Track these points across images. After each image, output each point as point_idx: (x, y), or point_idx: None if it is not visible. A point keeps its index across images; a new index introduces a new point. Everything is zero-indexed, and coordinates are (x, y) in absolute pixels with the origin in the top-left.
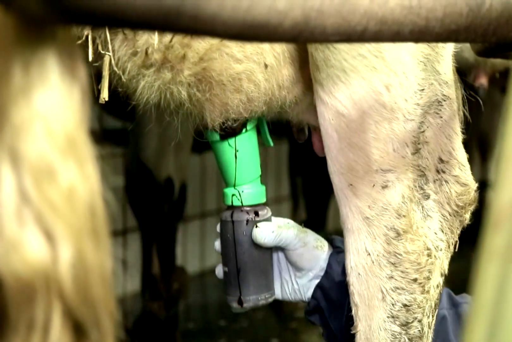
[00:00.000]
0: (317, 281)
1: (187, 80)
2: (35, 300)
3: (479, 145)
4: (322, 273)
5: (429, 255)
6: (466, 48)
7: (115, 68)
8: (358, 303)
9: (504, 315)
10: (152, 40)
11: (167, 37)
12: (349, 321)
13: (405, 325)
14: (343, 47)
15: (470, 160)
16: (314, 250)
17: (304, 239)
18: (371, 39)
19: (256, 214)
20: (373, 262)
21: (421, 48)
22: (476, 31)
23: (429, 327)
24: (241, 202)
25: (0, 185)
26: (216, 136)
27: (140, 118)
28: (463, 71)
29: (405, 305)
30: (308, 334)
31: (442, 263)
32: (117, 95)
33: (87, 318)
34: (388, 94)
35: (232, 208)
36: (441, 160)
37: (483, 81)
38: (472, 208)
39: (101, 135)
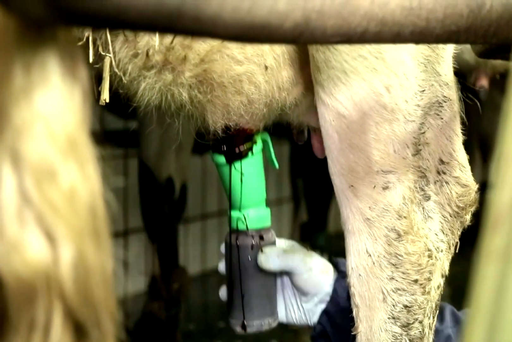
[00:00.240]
0: (322, 305)
1: (188, 82)
2: (36, 301)
3: (480, 146)
4: (327, 298)
5: (430, 256)
6: (467, 50)
7: (116, 70)
8: (359, 304)
9: (503, 316)
10: (153, 41)
11: (168, 38)
12: None
13: (406, 326)
14: (344, 48)
15: (471, 161)
16: (320, 275)
17: (309, 264)
18: (371, 40)
19: (261, 238)
20: (374, 263)
21: (422, 49)
22: (477, 32)
23: (430, 328)
24: (246, 226)
25: (1, 186)
26: (222, 159)
27: (141, 119)
28: (463, 73)
29: (406, 306)
30: (308, 335)
31: (443, 264)
32: (119, 95)
33: (88, 319)
34: (388, 96)
35: (237, 231)
36: (441, 161)
37: (483, 83)
38: (472, 209)
39: (102, 137)
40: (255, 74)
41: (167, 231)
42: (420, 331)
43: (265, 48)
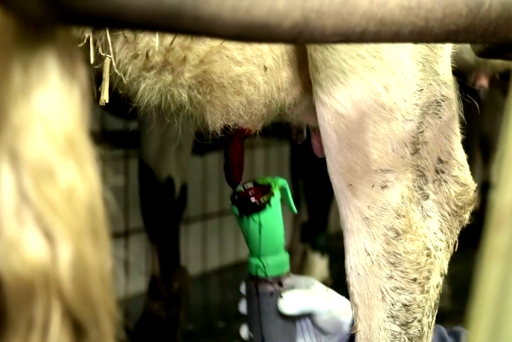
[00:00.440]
0: None
1: (187, 83)
2: (35, 300)
3: (481, 146)
4: (347, 337)
5: (428, 255)
6: (466, 50)
7: (116, 71)
8: (358, 303)
9: (507, 315)
10: (153, 42)
11: (168, 39)
12: None
13: (405, 325)
14: (342, 47)
15: (472, 161)
16: (339, 316)
17: (329, 306)
18: (370, 40)
19: (280, 284)
20: (372, 262)
21: (420, 48)
22: (476, 31)
23: (429, 327)
24: (266, 274)
25: None
26: (240, 212)
27: (142, 119)
28: (463, 73)
29: (404, 305)
30: None
31: (441, 263)
32: (119, 96)
33: (87, 318)
34: (387, 95)
35: (256, 278)
36: (440, 160)
37: (483, 82)
38: (471, 208)
39: (102, 137)
40: (255, 75)
41: (167, 231)
42: (419, 330)
43: (264, 49)
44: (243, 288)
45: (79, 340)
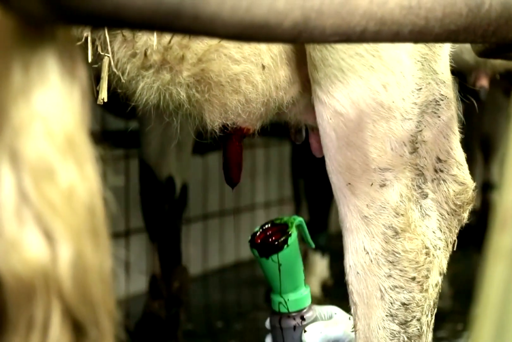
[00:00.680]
0: None
1: (186, 81)
2: (35, 300)
3: (482, 146)
4: None
5: (427, 254)
6: (466, 50)
7: (115, 70)
8: (357, 302)
9: (511, 315)
10: (151, 41)
11: (166, 38)
12: None
13: (404, 323)
14: (341, 46)
15: (473, 161)
16: None
17: (351, 334)
18: (370, 40)
19: (302, 318)
20: (371, 261)
21: (418, 47)
22: (476, 31)
23: (428, 326)
24: (287, 309)
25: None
26: (259, 253)
27: (142, 118)
28: (463, 73)
29: (403, 304)
30: None
31: (440, 262)
32: (118, 96)
33: (86, 318)
34: (385, 93)
35: (279, 314)
36: (439, 159)
37: (483, 83)
38: (470, 207)
39: (103, 137)
40: (253, 73)
41: (168, 230)
42: (418, 329)
43: (262, 47)
44: (267, 323)
45: (79, 340)
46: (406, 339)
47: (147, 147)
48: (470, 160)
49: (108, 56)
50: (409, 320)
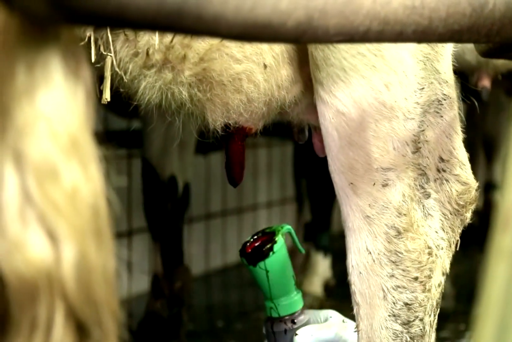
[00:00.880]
0: None
1: (187, 81)
2: (38, 300)
3: (484, 146)
4: None
5: (430, 254)
6: (468, 51)
7: (117, 69)
8: (360, 302)
9: None
10: (153, 40)
11: (168, 37)
12: None
13: (407, 323)
14: (343, 46)
15: (475, 161)
16: None
17: (343, 336)
18: (374, 40)
19: (293, 322)
20: (374, 261)
21: (421, 47)
22: (480, 31)
23: (431, 326)
24: (278, 314)
25: (3, 185)
26: (246, 262)
27: (144, 118)
28: (465, 74)
29: (406, 304)
30: None
31: (443, 261)
32: (120, 95)
33: (90, 318)
34: (388, 93)
35: (272, 319)
36: (441, 159)
37: (485, 83)
38: (473, 207)
39: (105, 137)
40: (254, 72)
41: (170, 230)
42: (421, 329)
43: (264, 47)
44: (264, 329)
45: (82, 340)
46: (408, 339)
47: (149, 147)
48: (472, 160)
49: (110, 56)
50: (411, 320)
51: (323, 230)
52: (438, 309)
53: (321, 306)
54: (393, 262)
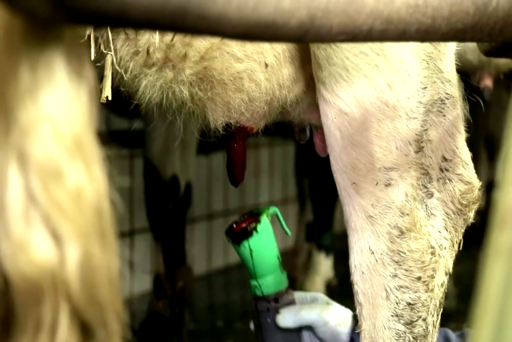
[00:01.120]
0: None
1: (188, 79)
2: (42, 301)
3: (486, 145)
4: None
5: (433, 253)
6: (469, 50)
7: (117, 68)
8: (362, 302)
9: (511, 313)
10: (154, 39)
11: (168, 36)
12: None
13: (410, 323)
14: (345, 45)
15: (478, 161)
16: (336, 327)
17: (326, 317)
18: (377, 39)
19: (276, 301)
20: (376, 261)
21: (423, 46)
22: (483, 30)
23: (434, 326)
24: (262, 293)
25: (7, 186)
26: (231, 241)
27: (146, 117)
28: (467, 73)
29: (409, 304)
30: None
31: (446, 261)
32: (122, 95)
33: (94, 318)
34: (390, 92)
35: (256, 297)
36: (444, 158)
37: (487, 82)
38: (476, 206)
39: (107, 137)
40: (256, 71)
41: (172, 229)
42: (424, 329)
43: (265, 45)
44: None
45: (87, 340)
46: (411, 339)
47: (151, 147)
48: (475, 160)
49: (111, 54)
50: (414, 320)
51: (325, 229)
52: (441, 309)
53: None
54: (396, 262)
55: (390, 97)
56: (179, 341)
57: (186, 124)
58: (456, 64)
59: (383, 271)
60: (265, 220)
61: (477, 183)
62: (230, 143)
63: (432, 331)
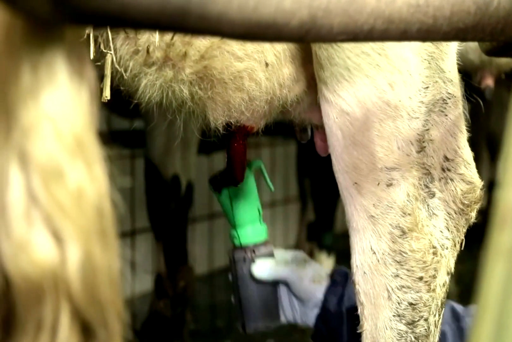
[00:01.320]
0: (316, 310)
1: (188, 79)
2: (44, 301)
3: (488, 145)
4: (320, 304)
5: (434, 253)
6: (471, 50)
7: (117, 67)
8: (364, 302)
9: (511, 313)
10: (153, 38)
11: (168, 35)
12: None
13: (411, 323)
14: (347, 45)
15: (479, 160)
16: (310, 284)
17: (300, 274)
18: (378, 38)
19: (253, 251)
20: (378, 261)
21: (425, 46)
22: (484, 29)
23: (436, 326)
24: (240, 242)
25: (9, 186)
26: (213, 188)
27: (147, 117)
28: (468, 73)
29: (411, 304)
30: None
31: (448, 261)
32: (120, 93)
33: (95, 319)
34: (392, 92)
35: (234, 247)
36: (446, 158)
37: (489, 82)
38: (478, 206)
39: (108, 137)
40: (256, 71)
41: (173, 229)
42: (425, 329)
43: (266, 45)
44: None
45: (88, 340)
46: (413, 339)
47: (152, 147)
48: (476, 159)
49: (110, 54)
50: (416, 320)
51: (326, 229)
52: (443, 309)
53: None
54: (397, 262)
55: (391, 97)
56: (180, 341)
57: (187, 124)
58: (458, 64)
59: (384, 271)
60: (248, 172)
61: (479, 183)
62: (230, 143)
63: (434, 331)
